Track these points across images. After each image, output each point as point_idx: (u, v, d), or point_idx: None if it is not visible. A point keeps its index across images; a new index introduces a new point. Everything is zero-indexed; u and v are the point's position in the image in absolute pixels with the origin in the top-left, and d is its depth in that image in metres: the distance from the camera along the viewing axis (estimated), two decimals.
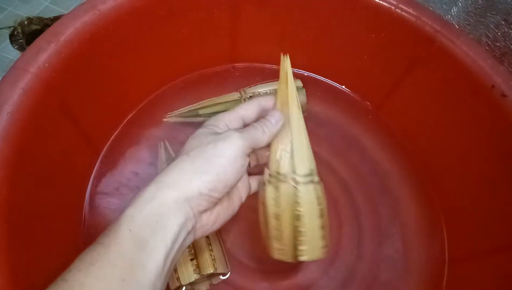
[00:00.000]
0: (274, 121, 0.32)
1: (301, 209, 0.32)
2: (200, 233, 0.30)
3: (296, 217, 0.32)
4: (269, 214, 0.32)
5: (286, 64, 0.35)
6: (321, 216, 0.33)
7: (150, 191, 0.27)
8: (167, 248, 0.26)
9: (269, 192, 0.32)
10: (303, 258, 0.33)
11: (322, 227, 0.33)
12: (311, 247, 0.32)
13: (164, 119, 0.46)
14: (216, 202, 0.30)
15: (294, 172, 0.32)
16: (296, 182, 0.32)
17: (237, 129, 0.31)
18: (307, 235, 0.32)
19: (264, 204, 0.33)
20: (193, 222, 0.28)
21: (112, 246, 0.25)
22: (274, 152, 0.33)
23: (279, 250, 0.33)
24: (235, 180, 0.30)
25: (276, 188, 0.32)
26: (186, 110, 0.46)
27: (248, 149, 0.30)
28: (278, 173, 0.32)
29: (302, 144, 0.33)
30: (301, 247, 0.32)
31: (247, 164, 0.31)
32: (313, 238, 0.32)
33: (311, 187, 0.33)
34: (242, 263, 0.41)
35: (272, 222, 0.32)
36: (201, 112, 0.46)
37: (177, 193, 0.27)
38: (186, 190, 0.27)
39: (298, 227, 0.32)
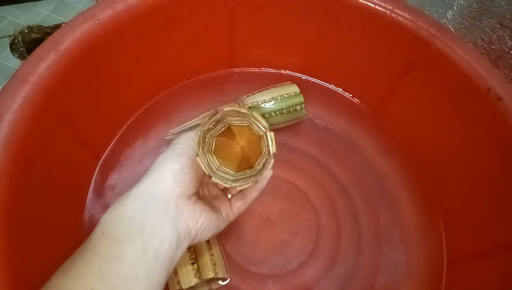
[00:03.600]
0: None
1: None
2: (192, 222, 0.31)
3: None
4: None
5: None
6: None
7: (123, 195, 0.30)
8: (145, 239, 0.27)
9: None
10: None
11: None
12: None
13: (166, 137, 0.46)
14: (191, 182, 0.31)
15: None
16: None
17: None
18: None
19: None
20: (174, 208, 0.30)
21: (87, 249, 0.26)
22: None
23: None
24: None
25: None
26: (187, 126, 0.46)
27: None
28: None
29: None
30: None
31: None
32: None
33: None
34: (241, 267, 0.41)
35: None
36: None
37: (146, 187, 0.30)
38: (155, 180, 0.30)
39: None
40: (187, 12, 0.44)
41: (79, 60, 0.37)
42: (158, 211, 0.29)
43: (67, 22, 0.38)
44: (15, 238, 0.30)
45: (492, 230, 0.39)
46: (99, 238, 0.27)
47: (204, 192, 0.35)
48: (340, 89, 0.55)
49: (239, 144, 0.32)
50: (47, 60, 0.34)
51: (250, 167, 0.32)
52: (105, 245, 0.26)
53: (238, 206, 0.35)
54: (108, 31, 0.38)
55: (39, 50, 0.35)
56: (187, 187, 0.31)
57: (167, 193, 0.30)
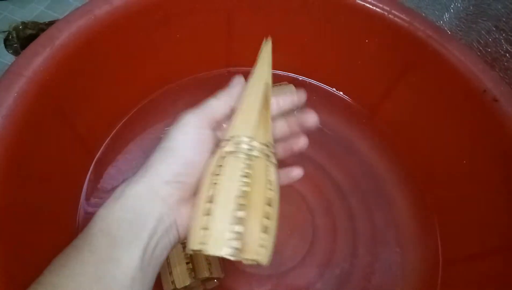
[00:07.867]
0: (231, 84, 0.31)
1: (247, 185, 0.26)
2: (183, 230, 0.30)
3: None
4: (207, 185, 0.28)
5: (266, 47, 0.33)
6: (268, 204, 0.27)
7: (119, 190, 0.28)
8: (144, 242, 0.26)
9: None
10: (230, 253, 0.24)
11: (267, 216, 0.26)
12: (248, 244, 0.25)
13: (161, 136, 0.46)
14: (190, 189, 0.29)
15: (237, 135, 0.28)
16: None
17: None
18: (246, 223, 0.25)
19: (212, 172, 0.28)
20: (170, 214, 0.28)
21: (83, 245, 0.25)
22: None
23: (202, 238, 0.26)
24: (201, 157, 0.29)
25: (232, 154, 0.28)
26: None
27: (205, 121, 0.29)
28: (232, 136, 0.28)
29: (252, 109, 0.29)
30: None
31: (211, 138, 0.29)
32: (251, 231, 0.25)
33: (262, 162, 0.28)
34: (237, 267, 0.41)
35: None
36: None
37: (145, 185, 0.28)
38: (152, 182, 0.28)
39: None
40: (184, 10, 0.44)
41: (75, 56, 0.36)
42: (157, 211, 0.28)
43: (63, 16, 0.37)
44: (6, 234, 0.30)
45: (487, 232, 0.39)
46: (97, 235, 0.26)
47: None
48: (337, 90, 0.55)
49: None
50: (42, 54, 0.34)
51: None
52: (102, 243, 0.25)
53: None
54: (105, 27, 0.38)
55: (34, 45, 0.35)
56: (181, 186, 0.30)
57: (167, 191, 0.28)
